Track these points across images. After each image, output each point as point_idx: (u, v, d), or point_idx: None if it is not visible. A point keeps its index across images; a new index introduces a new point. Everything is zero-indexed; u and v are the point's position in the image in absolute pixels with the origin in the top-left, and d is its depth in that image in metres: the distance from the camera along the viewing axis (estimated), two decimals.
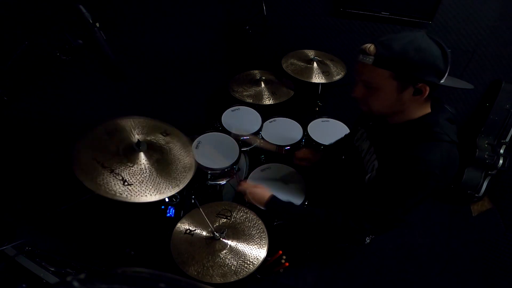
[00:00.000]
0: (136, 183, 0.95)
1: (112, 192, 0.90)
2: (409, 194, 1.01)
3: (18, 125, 1.09)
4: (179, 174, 1.05)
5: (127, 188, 0.93)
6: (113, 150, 1.00)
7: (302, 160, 1.64)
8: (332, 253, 1.46)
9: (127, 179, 0.95)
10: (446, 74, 0.94)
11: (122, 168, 0.97)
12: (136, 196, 0.93)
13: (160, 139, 1.14)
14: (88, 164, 0.93)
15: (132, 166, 0.99)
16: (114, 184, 0.92)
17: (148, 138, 1.10)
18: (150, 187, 0.96)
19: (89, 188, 0.87)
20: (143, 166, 1.01)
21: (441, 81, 0.94)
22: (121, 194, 0.91)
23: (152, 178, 0.99)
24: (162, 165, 1.05)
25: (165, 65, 1.85)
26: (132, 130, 1.10)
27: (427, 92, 0.95)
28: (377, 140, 1.17)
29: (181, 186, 1.01)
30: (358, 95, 1.06)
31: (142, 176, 0.98)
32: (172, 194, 0.99)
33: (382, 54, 0.93)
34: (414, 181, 0.97)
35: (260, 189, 1.30)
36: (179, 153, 1.12)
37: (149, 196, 0.95)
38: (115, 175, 0.94)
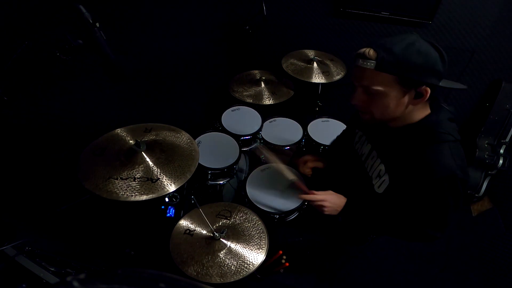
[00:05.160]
0: (160, 178, 1.03)
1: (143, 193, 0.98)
2: (447, 206, 0.99)
3: (18, 125, 1.09)
4: (185, 162, 1.11)
5: (157, 183, 1.01)
6: (118, 162, 1.05)
7: (309, 166, 1.51)
8: (333, 253, 1.46)
9: (153, 177, 1.02)
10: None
11: (137, 171, 1.03)
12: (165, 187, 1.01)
13: (152, 135, 1.19)
14: (109, 184, 0.98)
15: (140, 166, 1.04)
16: (144, 186, 1.00)
17: (143, 139, 1.14)
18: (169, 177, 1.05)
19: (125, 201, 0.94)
20: (151, 163, 1.06)
21: (440, 83, 0.94)
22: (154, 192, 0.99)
23: (166, 170, 1.06)
24: (166, 156, 1.10)
25: (165, 65, 1.85)
26: (126, 137, 1.15)
27: (428, 95, 0.95)
28: (379, 144, 1.16)
29: (193, 170, 1.08)
30: (358, 102, 1.03)
31: (156, 170, 1.05)
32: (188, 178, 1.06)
33: (384, 58, 0.90)
34: (444, 192, 0.96)
35: (335, 194, 1.22)
36: (175, 141, 1.19)
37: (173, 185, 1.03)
38: (137, 179, 1.01)
